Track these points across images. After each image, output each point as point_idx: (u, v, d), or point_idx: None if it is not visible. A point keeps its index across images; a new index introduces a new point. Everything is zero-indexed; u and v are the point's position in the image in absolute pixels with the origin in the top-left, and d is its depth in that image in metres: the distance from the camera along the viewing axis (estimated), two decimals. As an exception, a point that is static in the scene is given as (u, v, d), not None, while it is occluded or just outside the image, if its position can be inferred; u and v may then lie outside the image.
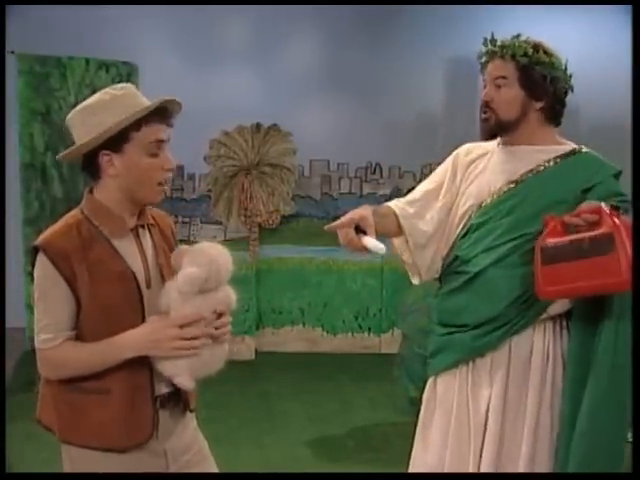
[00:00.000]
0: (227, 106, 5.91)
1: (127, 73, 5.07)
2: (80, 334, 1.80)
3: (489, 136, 2.21)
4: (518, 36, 2.16)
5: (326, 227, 2.05)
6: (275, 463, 3.84)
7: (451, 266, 2.21)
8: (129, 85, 1.88)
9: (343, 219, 2.03)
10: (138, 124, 1.77)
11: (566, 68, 2.17)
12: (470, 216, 2.19)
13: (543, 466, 2.07)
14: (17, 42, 5.06)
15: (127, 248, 1.84)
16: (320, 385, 5.21)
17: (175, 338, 1.74)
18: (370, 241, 1.97)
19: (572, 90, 2.19)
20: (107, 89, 1.84)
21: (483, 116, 2.17)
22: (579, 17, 6.22)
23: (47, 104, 4.95)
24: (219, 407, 4.52)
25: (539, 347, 2.08)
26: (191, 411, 1.98)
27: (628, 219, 1.92)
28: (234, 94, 6.14)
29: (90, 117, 1.78)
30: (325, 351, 6.03)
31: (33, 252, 1.79)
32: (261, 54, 6.30)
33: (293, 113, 6.05)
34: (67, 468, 1.90)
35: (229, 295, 1.90)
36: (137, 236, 1.89)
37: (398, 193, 5.92)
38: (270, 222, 5.87)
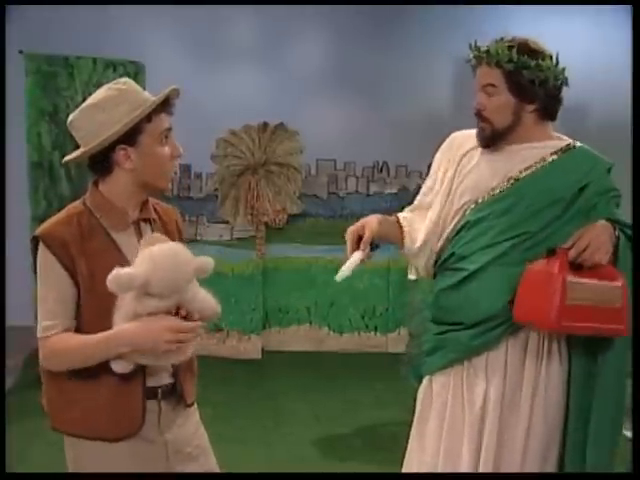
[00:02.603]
0: (234, 105, 5.92)
1: (134, 72, 5.08)
2: (78, 323, 1.82)
3: (487, 145, 2.17)
4: (502, 39, 2.10)
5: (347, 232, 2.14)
6: (281, 462, 3.84)
7: (446, 262, 2.20)
8: (128, 79, 1.90)
9: (351, 227, 2.13)
10: (149, 115, 1.80)
11: (557, 63, 2.10)
12: (465, 212, 2.17)
13: (536, 460, 2.09)
14: (25, 42, 5.09)
15: (127, 242, 1.85)
16: (327, 384, 5.21)
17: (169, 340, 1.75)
18: (348, 263, 2.08)
19: (567, 84, 2.12)
20: (109, 85, 1.86)
21: (480, 125, 2.15)
22: (585, 16, 6.21)
23: (55, 103, 4.98)
24: (225, 406, 4.52)
25: (534, 343, 2.10)
26: (188, 406, 1.97)
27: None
28: (241, 93, 6.15)
29: (99, 114, 1.80)
30: (332, 350, 6.02)
31: (34, 242, 1.83)
32: (268, 53, 6.31)
33: (300, 112, 6.05)
34: (69, 457, 1.91)
35: (203, 301, 1.83)
36: (138, 230, 1.89)
37: (405, 192, 5.92)
38: (277, 221, 5.88)
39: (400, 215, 2.32)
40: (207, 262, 1.81)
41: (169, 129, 1.86)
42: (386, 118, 6.35)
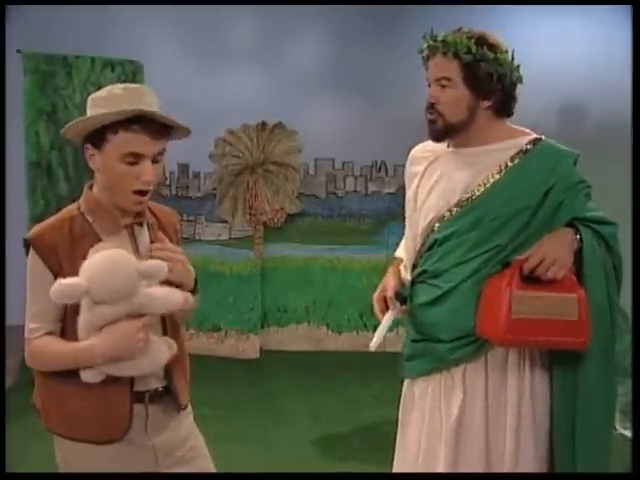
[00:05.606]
0: (232, 104, 5.91)
1: (132, 72, 5.08)
2: (64, 326, 1.82)
3: (438, 138, 2.11)
4: (460, 30, 2.03)
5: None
6: (280, 462, 3.83)
7: (419, 278, 2.15)
8: (142, 87, 1.85)
9: (375, 295, 2.23)
10: (115, 127, 1.72)
11: (513, 59, 2.03)
12: (433, 229, 2.11)
13: (528, 463, 2.06)
14: (24, 42, 5.08)
15: (119, 246, 1.80)
16: (325, 384, 5.21)
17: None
18: (379, 328, 2.18)
19: (521, 81, 2.06)
20: (119, 85, 1.82)
21: (429, 117, 2.07)
22: (585, 16, 6.20)
23: (53, 103, 4.97)
24: (224, 406, 4.51)
25: (515, 353, 2.05)
26: (182, 408, 1.96)
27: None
28: (239, 92, 6.15)
29: (91, 108, 1.79)
30: (330, 349, 6.02)
31: (25, 244, 1.82)
32: (266, 52, 6.30)
33: (298, 111, 6.04)
34: (59, 458, 1.91)
35: (162, 299, 1.77)
36: (132, 233, 1.86)
37: (403, 192, 5.90)
38: (275, 221, 5.88)
39: (399, 255, 2.34)
40: (153, 266, 1.75)
41: (136, 155, 1.74)
42: (384, 117, 6.34)
